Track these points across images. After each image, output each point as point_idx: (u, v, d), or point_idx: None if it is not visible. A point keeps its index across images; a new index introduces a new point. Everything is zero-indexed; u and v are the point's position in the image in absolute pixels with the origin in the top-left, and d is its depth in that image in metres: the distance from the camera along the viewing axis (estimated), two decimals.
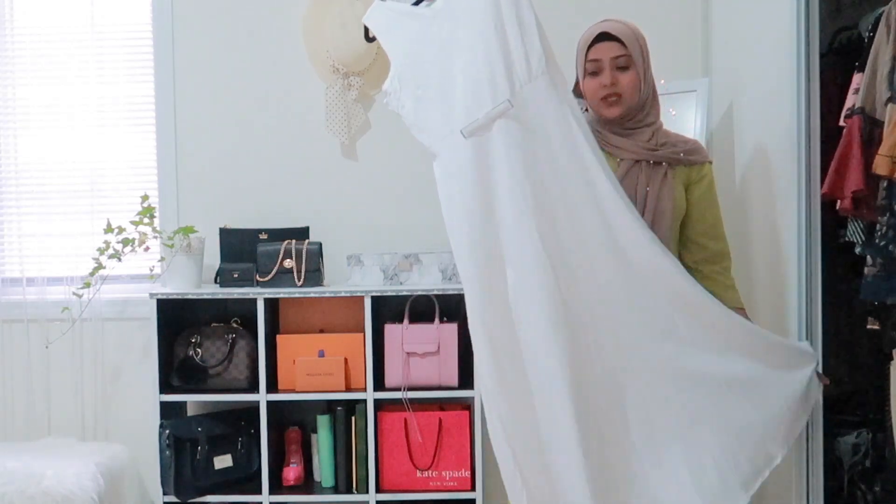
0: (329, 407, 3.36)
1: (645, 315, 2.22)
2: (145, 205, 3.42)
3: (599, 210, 2.18)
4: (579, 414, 2.13)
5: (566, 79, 2.24)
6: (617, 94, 2.34)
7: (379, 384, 3.25)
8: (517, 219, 2.16)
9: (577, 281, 2.19)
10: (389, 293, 3.27)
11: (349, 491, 3.28)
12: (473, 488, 3.26)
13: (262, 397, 3.24)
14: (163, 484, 3.22)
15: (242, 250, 3.39)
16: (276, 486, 3.30)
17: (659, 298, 2.22)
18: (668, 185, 2.35)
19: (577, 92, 2.47)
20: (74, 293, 3.48)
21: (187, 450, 3.23)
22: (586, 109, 2.45)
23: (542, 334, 2.17)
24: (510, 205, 2.15)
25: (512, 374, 2.22)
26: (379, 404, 3.27)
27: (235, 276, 3.31)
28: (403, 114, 2.28)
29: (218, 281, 3.36)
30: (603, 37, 2.35)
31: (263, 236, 3.41)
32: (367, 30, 2.40)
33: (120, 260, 3.45)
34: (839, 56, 2.78)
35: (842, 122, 2.45)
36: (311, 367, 3.24)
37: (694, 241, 2.43)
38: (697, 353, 2.24)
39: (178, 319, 3.39)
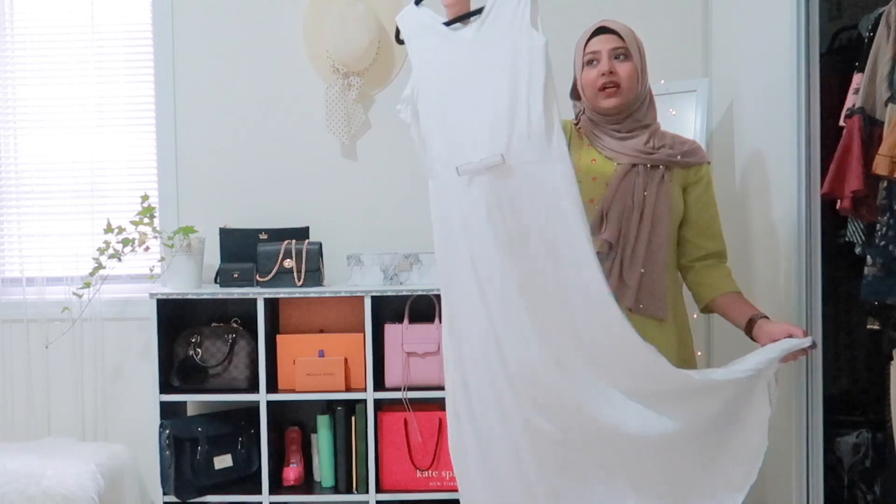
0: (329, 407, 3.36)
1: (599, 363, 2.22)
2: (145, 205, 3.42)
3: (577, 265, 2.14)
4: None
5: (565, 143, 2.18)
6: (615, 83, 2.33)
7: (379, 384, 3.25)
8: (495, 258, 2.19)
9: (556, 323, 2.18)
10: (389, 293, 3.27)
11: (349, 491, 3.28)
12: None
13: (262, 397, 3.24)
14: (163, 484, 3.21)
15: (242, 250, 3.39)
16: (276, 486, 3.30)
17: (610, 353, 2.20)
18: (665, 189, 2.34)
19: (575, 94, 2.47)
20: (74, 293, 3.49)
21: (187, 450, 3.23)
22: (582, 112, 2.45)
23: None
24: (491, 245, 2.18)
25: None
26: (379, 404, 3.27)
27: (235, 276, 3.31)
28: (412, 126, 2.32)
29: (218, 281, 3.36)
30: (601, 30, 2.37)
31: (263, 236, 3.41)
32: (398, 31, 2.36)
33: (120, 260, 3.45)
34: (839, 56, 2.77)
35: (842, 122, 2.45)
36: (311, 367, 3.24)
37: (690, 241, 2.42)
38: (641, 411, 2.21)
39: (178, 319, 3.39)
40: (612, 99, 2.34)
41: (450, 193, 2.25)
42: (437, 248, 2.33)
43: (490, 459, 2.29)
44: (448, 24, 2.30)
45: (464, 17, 2.29)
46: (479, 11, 2.24)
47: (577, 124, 2.46)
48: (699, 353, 3.06)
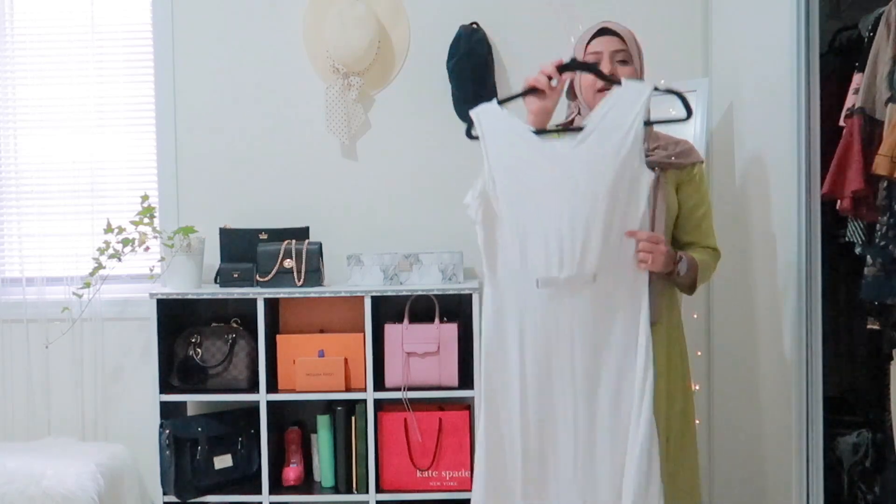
0: (329, 407, 3.36)
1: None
2: (145, 205, 3.42)
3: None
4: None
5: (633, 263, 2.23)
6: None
7: (379, 384, 3.25)
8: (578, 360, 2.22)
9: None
10: (389, 293, 3.27)
11: (349, 491, 3.28)
12: None
13: (262, 397, 3.24)
14: (163, 484, 3.22)
15: (242, 250, 3.39)
16: (276, 486, 3.30)
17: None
18: (660, 189, 2.35)
19: (571, 94, 2.47)
20: (74, 293, 3.49)
21: (187, 450, 3.23)
22: (577, 112, 2.45)
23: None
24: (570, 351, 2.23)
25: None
26: (379, 404, 3.27)
27: (235, 276, 3.31)
28: (479, 224, 2.25)
29: (218, 281, 3.36)
30: (604, 31, 2.37)
31: (263, 236, 3.41)
32: (470, 124, 2.28)
33: (120, 260, 3.45)
34: (839, 56, 2.78)
35: (842, 122, 2.45)
36: (311, 367, 3.24)
37: (682, 240, 2.43)
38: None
39: (178, 319, 3.39)
40: None
41: (518, 299, 2.23)
42: (488, 354, 2.29)
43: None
44: (537, 132, 2.25)
45: (555, 131, 2.26)
46: (572, 128, 2.26)
47: (569, 124, 2.44)
48: (699, 353, 3.06)
